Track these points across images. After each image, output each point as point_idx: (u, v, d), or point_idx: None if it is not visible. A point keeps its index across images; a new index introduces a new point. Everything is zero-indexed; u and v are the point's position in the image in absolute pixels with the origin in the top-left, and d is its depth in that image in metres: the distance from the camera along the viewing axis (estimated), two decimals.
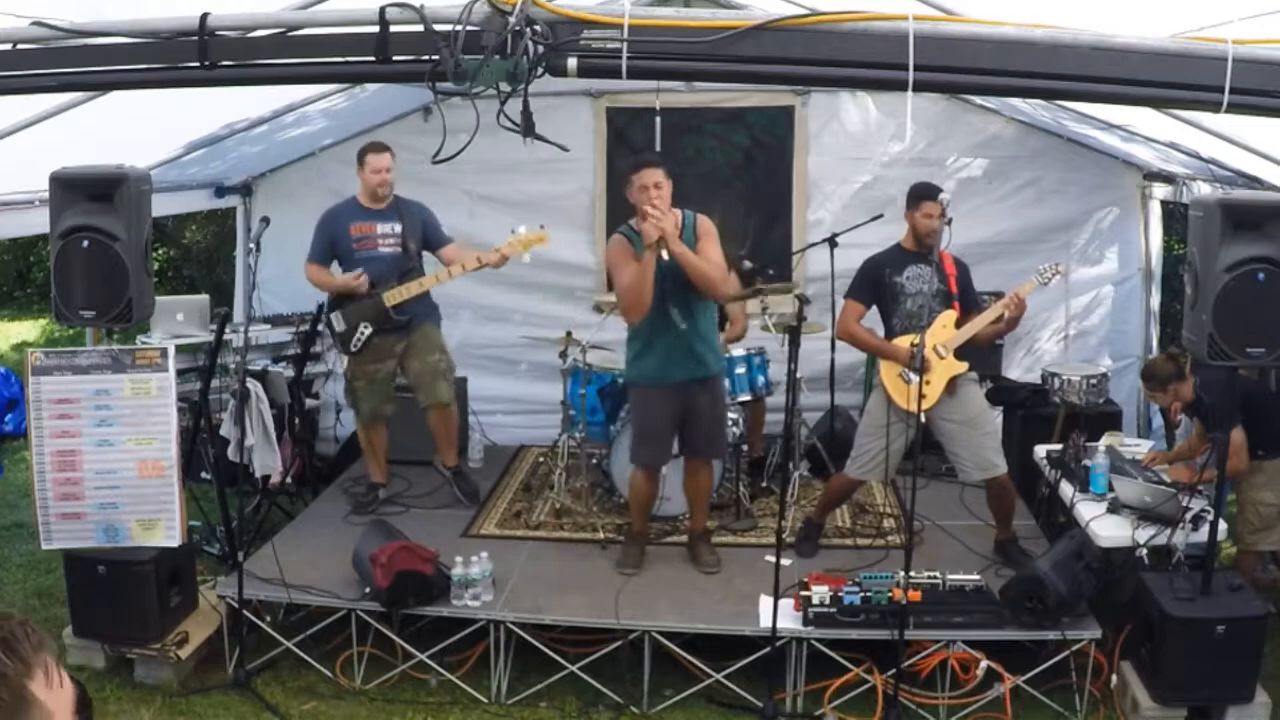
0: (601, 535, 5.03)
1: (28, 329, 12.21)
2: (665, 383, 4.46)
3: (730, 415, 5.46)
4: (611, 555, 4.80)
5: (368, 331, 5.15)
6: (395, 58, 3.08)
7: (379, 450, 5.51)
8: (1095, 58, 2.88)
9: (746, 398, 5.54)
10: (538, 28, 2.96)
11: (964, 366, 4.55)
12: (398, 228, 5.20)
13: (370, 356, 5.22)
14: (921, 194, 4.53)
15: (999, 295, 5.90)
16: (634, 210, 4.25)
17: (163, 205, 5.29)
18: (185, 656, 4.29)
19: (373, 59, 3.09)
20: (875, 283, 4.65)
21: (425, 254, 5.35)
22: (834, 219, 6.43)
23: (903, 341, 4.50)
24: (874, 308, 4.71)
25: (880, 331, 4.71)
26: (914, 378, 4.42)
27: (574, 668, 4.17)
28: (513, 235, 5.02)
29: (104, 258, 3.88)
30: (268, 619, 4.45)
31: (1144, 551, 4.26)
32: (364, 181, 5.23)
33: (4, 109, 3.89)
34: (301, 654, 4.34)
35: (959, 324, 4.58)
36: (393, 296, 5.11)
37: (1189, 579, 3.98)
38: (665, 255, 4.11)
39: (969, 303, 4.67)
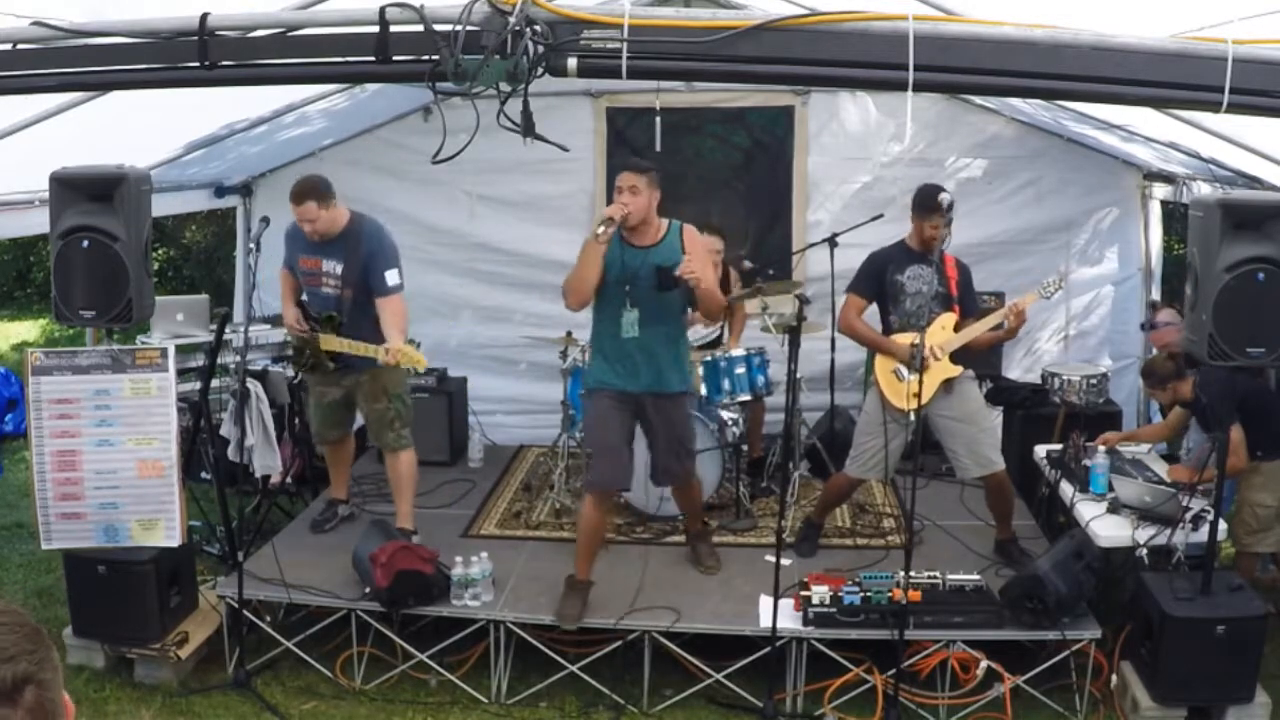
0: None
1: (28, 329, 12.21)
2: (612, 388, 4.22)
3: (730, 415, 5.48)
4: (612, 555, 4.79)
5: (309, 362, 4.91)
6: (395, 58, 3.08)
7: (338, 466, 5.27)
8: (1095, 58, 2.88)
9: (746, 398, 5.54)
10: (538, 28, 2.96)
11: (959, 370, 4.55)
12: (339, 269, 4.74)
13: (318, 379, 5.00)
14: (930, 207, 4.42)
15: (999, 296, 5.95)
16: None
17: (163, 205, 5.29)
18: (185, 656, 4.29)
19: (373, 59, 3.09)
20: (878, 278, 4.64)
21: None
22: (834, 219, 6.43)
23: (903, 339, 4.50)
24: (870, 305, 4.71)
25: (877, 328, 4.70)
26: (907, 374, 4.42)
27: (574, 668, 4.17)
28: (410, 343, 4.57)
29: (104, 258, 3.87)
30: (268, 619, 4.44)
31: (1144, 551, 4.25)
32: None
33: (4, 109, 3.90)
34: (301, 654, 4.34)
35: (957, 327, 4.58)
36: (327, 342, 4.75)
37: (1189, 579, 3.98)
38: (600, 230, 3.99)
39: (968, 306, 4.67)
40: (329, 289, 4.79)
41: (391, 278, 4.69)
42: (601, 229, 3.99)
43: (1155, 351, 5.59)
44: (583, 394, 4.44)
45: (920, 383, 4.09)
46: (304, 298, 4.94)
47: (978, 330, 4.55)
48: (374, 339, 4.60)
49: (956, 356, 4.56)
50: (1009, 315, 4.49)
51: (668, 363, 4.25)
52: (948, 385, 4.56)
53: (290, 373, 6.08)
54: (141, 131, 4.86)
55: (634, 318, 4.16)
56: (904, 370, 4.49)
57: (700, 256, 4.19)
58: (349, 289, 4.74)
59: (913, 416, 4.29)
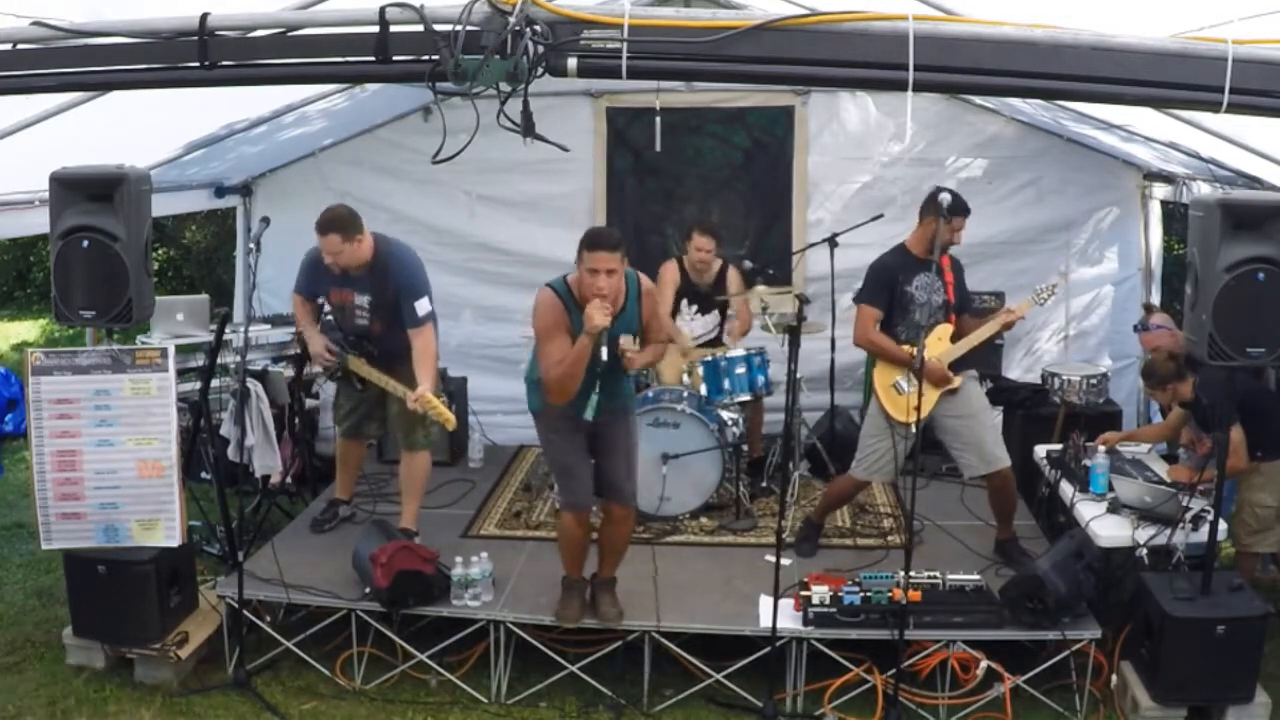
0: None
1: (28, 329, 12.22)
2: (567, 410, 3.95)
3: (730, 415, 5.48)
4: None
5: (339, 374, 4.95)
6: (395, 58, 3.08)
7: (350, 465, 5.24)
8: (1095, 58, 2.88)
9: (746, 398, 5.54)
10: (538, 28, 2.97)
11: (958, 381, 4.55)
12: (367, 301, 4.77)
13: (350, 385, 5.02)
14: (957, 208, 4.37)
15: (998, 295, 5.96)
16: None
17: (163, 205, 5.29)
18: (185, 656, 4.29)
19: (373, 59, 3.10)
20: (889, 288, 4.58)
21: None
22: (834, 219, 6.43)
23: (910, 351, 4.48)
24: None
25: None
26: (906, 387, 4.42)
27: (574, 668, 4.17)
28: (438, 400, 4.47)
29: (104, 258, 3.88)
30: (268, 619, 4.44)
31: (1144, 551, 4.26)
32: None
33: (4, 109, 3.90)
34: (301, 654, 4.34)
35: (954, 337, 4.58)
36: (357, 365, 4.83)
37: (1189, 579, 3.98)
38: (605, 355, 3.74)
39: (963, 305, 4.66)
40: (360, 320, 4.82)
41: (422, 307, 4.67)
42: (604, 353, 3.74)
43: (1146, 353, 5.60)
44: (535, 418, 4.17)
45: (920, 394, 4.07)
46: (329, 318, 4.95)
47: (973, 343, 4.56)
48: (407, 363, 4.64)
49: (953, 363, 4.56)
50: (1005, 323, 4.51)
51: (619, 389, 4.05)
52: (949, 390, 4.56)
53: (290, 373, 6.09)
54: (141, 131, 4.87)
55: (597, 401, 3.87)
56: (903, 383, 4.49)
57: (653, 309, 4.01)
58: (378, 322, 4.78)
59: (913, 429, 4.27)
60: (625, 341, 3.84)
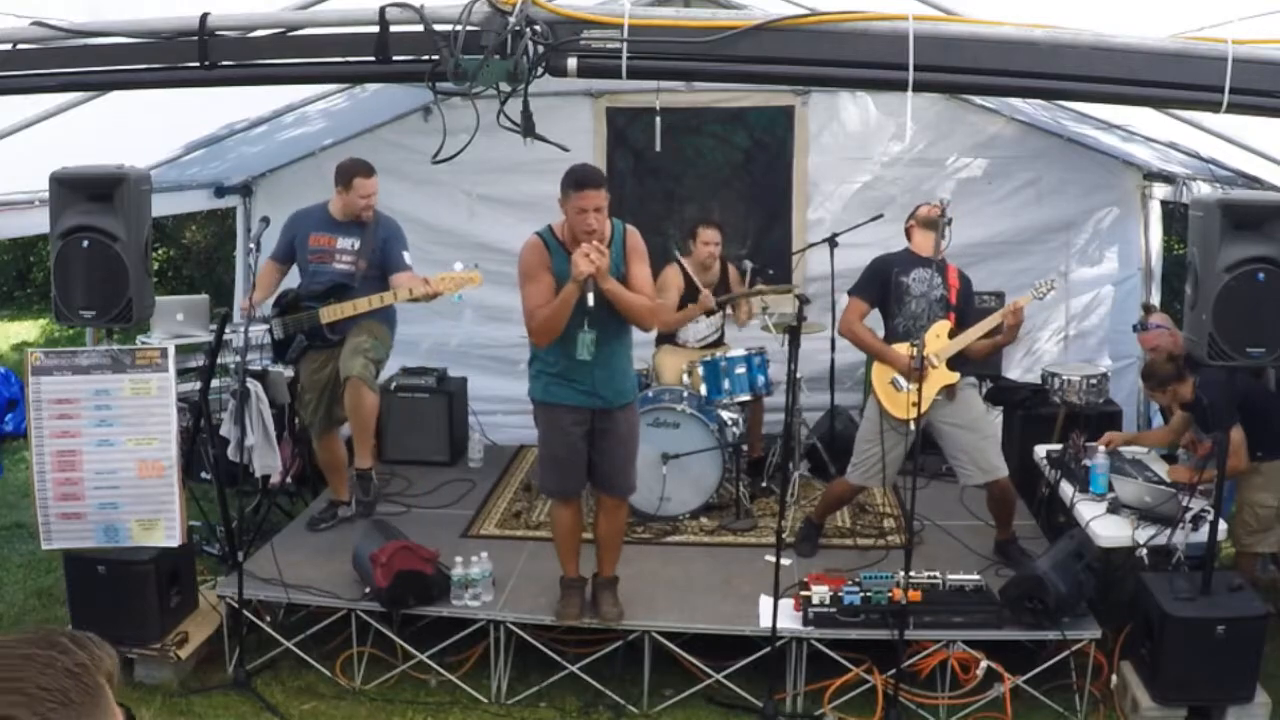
0: None
1: (28, 329, 12.22)
2: (567, 404, 3.99)
3: (730, 415, 5.48)
4: None
5: (304, 344, 5.03)
6: (395, 58, 3.08)
7: (338, 464, 5.28)
8: (1095, 58, 2.88)
9: (746, 398, 5.54)
10: (538, 28, 2.96)
11: (955, 377, 4.55)
12: (356, 244, 5.01)
13: (312, 365, 5.10)
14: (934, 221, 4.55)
15: (999, 295, 5.95)
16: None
17: (163, 205, 5.29)
18: (185, 656, 4.29)
19: (373, 59, 3.09)
20: (883, 282, 4.61)
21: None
22: (834, 219, 6.43)
23: (902, 349, 4.48)
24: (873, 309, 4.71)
25: (879, 331, 4.70)
26: (905, 385, 4.43)
27: (574, 668, 4.17)
28: (448, 271, 4.83)
29: (104, 258, 3.88)
30: (268, 619, 4.44)
31: (1144, 551, 4.26)
32: (346, 202, 4.99)
33: (4, 109, 3.90)
34: (301, 654, 4.34)
35: (953, 335, 4.58)
36: (329, 313, 4.94)
37: (1189, 579, 3.98)
38: (591, 300, 3.72)
39: (966, 316, 4.66)
40: (341, 264, 5.02)
41: (407, 258, 5.09)
42: (590, 298, 3.72)
43: (1145, 353, 5.60)
44: (535, 405, 4.15)
45: (920, 391, 4.07)
46: (290, 288, 5.13)
47: (974, 335, 4.55)
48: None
49: (955, 363, 4.56)
50: (1005, 316, 4.49)
51: (622, 374, 4.07)
52: (949, 391, 4.56)
53: (290, 373, 6.09)
54: (141, 131, 4.86)
55: (590, 339, 3.88)
56: (902, 380, 4.50)
57: (636, 260, 3.97)
58: (364, 261, 5.02)
59: (912, 426, 4.28)
60: (575, 268, 3.72)
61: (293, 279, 5.24)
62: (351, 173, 4.98)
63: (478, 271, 4.85)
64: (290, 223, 5.18)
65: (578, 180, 3.80)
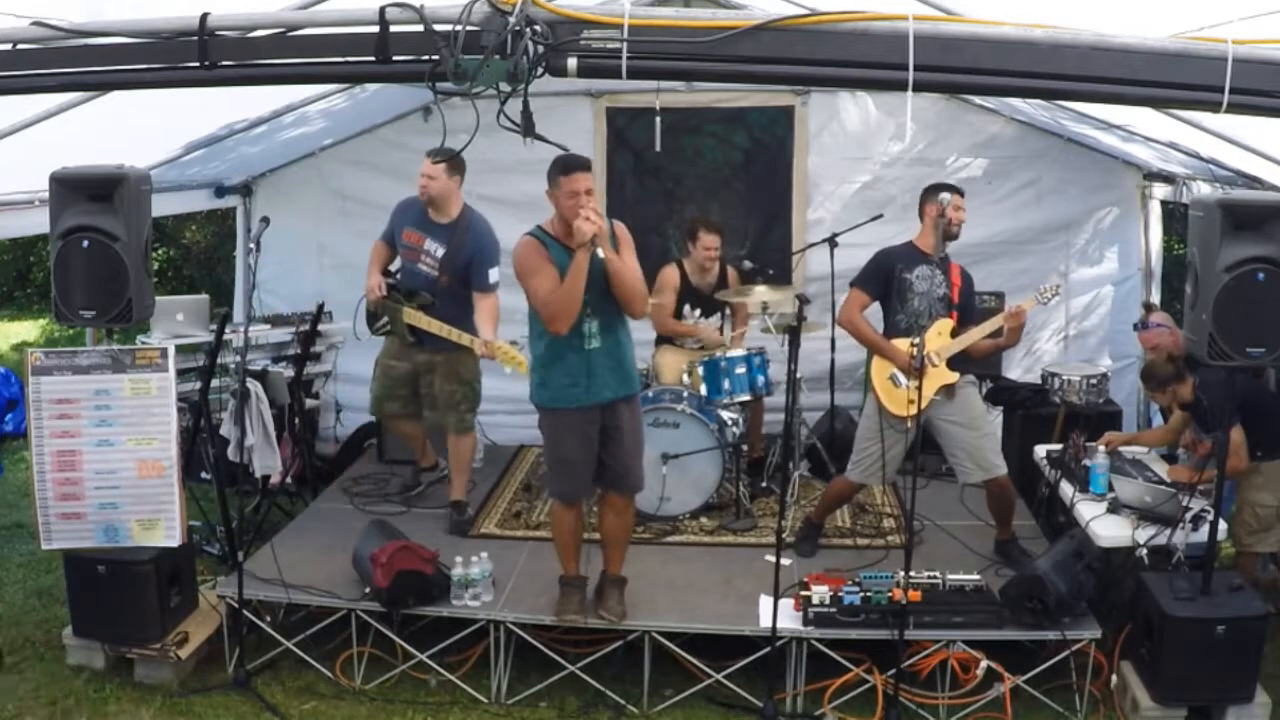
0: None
1: (28, 329, 12.22)
2: (576, 406, 4.00)
3: (730, 415, 5.48)
4: None
5: (388, 326, 5.14)
6: (395, 58, 3.08)
7: (413, 437, 5.53)
8: (1095, 58, 2.89)
9: (746, 398, 5.54)
10: (538, 28, 2.97)
11: (955, 377, 4.55)
12: (439, 252, 4.96)
13: (391, 350, 5.22)
14: (948, 185, 4.57)
15: (999, 295, 5.95)
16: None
17: (163, 205, 5.29)
18: (185, 656, 4.29)
19: (373, 59, 3.10)
20: (886, 276, 4.59)
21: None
22: (834, 219, 6.44)
23: (902, 344, 4.48)
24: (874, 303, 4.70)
25: (879, 326, 4.70)
26: (904, 381, 4.43)
27: (574, 668, 4.17)
28: (510, 344, 4.65)
29: (104, 258, 3.88)
30: (268, 619, 4.44)
31: (1144, 551, 4.26)
32: (420, 188, 4.96)
33: (4, 109, 3.90)
34: (301, 654, 4.34)
35: (954, 333, 4.58)
36: (410, 316, 4.99)
37: (1189, 579, 3.98)
38: (600, 252, 3.76)
39: (968, 315, 4.66)
40: (425, 268, 5.00)
41: (493, 275, 4.91)
42: (599, 251, 3.76)
43: (1145, 352, 5.60)
44: (540, 411, 4.13)
45: (920, 389, 4.07)
46: (395, 269, 5.15)
47: (975, 336, 4.55)
48: (466, 324, 4.88)
49: (955, 363, 4.56)
50: (1008, 318, 4.49)
51: (626, 364, 4.09)
52: (948, 390, 4.55)
53: (290, 373, 6.09)
54: (141, 131, 4.87)
55: (595, 327, 3.94)
56: (900, 376, 4.49)
57: (626, 250, 4.00)
58: (446, 275, 4.95)
59: (910, 423, 4.27)
60: (578, 229, 3.74)
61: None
62: (430, 152, 4.90)
63: (525, 358, 4.50)
64: (396, 210, 5.20)
65: (565, 165, 3.83)
